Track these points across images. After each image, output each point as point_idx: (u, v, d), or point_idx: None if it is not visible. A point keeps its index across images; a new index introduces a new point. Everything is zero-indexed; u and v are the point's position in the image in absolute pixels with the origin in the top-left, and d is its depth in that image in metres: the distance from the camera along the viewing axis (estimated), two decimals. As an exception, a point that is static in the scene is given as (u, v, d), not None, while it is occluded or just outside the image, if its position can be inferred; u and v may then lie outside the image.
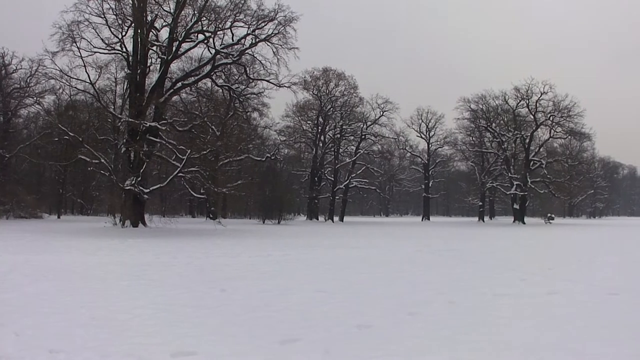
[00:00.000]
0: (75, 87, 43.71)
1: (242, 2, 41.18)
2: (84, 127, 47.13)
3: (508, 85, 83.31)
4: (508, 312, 9.49)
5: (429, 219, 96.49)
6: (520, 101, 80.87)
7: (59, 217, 62.18)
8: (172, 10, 39.65)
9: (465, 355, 6.67)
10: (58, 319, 8.21)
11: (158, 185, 42.61)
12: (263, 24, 42.32)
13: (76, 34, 38.16)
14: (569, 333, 7.85)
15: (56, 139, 51.93)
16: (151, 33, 40.20)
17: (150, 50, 40.10)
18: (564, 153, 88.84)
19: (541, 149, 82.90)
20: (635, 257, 22.75)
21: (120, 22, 39.51)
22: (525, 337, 7.56)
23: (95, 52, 39.86)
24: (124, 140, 39.58)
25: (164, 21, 40.86)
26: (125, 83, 47.24)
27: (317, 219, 76.53)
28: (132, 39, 39.54)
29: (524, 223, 76.33)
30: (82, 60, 38.80)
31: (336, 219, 78.13)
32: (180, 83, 42.63)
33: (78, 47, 38.35)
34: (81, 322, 8.05)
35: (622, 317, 9.12)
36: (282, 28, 42.42)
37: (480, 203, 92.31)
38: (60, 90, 54.61)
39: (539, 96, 78.71)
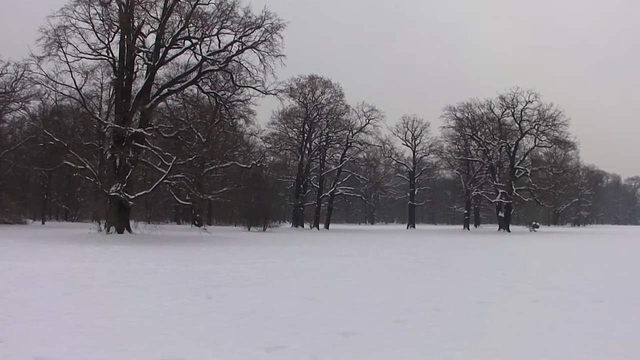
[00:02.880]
0: (61, 93, 43.38)
1: (229, 9, 41.14)
2: (70, 133, 46.88)
3: (494, 94, 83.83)
4: (493, 319, 9.59)
5: (414, 227, 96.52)
6: (505, 110, 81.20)
7: (43, 223, 61.80)
8: (159, 17, 39.51)
9: None
10: (43, 326, 8.21)
11: (143, 192, 42.42)
12: (250, 31, 42.30)
13: (62, 39, 37.88)
14: (554, 340, 7.94)
15: (41, 144, 51.66)
16: (138, 39, 40.01)
17: (137, 56, 39.90)
18: (548, 161, 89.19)
19: (526, 158, 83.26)
20: (618, 265, 22.96)
21: (106, 27, 39.26)
22: (511, 344, 7.65)
23: (81, 58, 39.54)
24: (110, 146, 39.29)
25: (151, 27, 40.68)
26: (111, 89, 47.14)
27: (303, 227, 76.42)
28: (118, 45, 39.34)
29: (509, 231, 76.63)
30: (68, 65, 38.49)
31: (322, 226, 78.15)
32: (166, 89, 42.44)
33: (64, 52, 38.06)
34: (67, 329, 8.05)
35: (606, 325, 9.22)
36: (269, 35, 42.42)
37: (466, 211, 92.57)
38: (46, 96, 54.48)
39: (524, 105, 79.15)
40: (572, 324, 9.24)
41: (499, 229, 79.18)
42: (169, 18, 39.45)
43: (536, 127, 79.78)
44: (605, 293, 13.02)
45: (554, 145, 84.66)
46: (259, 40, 42.31)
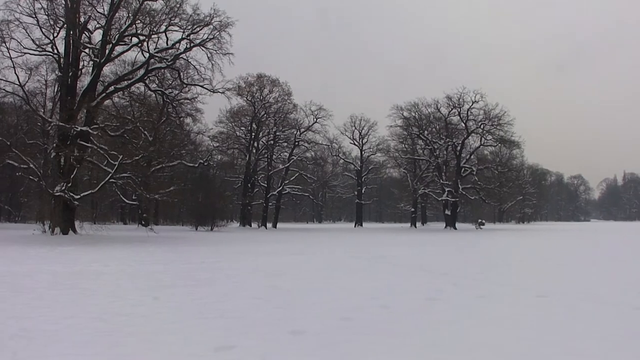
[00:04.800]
0: (4, 89, 42.29)
1: (178, 6, 40.89)
2: (12, 131, 46.05)
3: (441, 94, 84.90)
4: (441, 315, 9.68)
5: (361, 225, 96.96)
6: (452, 109, 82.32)
7: (-16, 224, 60.50)
8: (106, 12, 38.96)
9: (399, 359, 6.79)
10: (-13, 331, 8.02)
11: (89, 192, 41.75)
12: (198, 29, 42.11)
13: (5, 33, 37.06)
14: (499, 334, 8.10)
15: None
16: (84, 35, 39.39)
17: (83, 53, 39.29)
18: (494, 160, 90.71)
19: (472, 156, 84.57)
20: (561, 260, 23.47)
21: (52, 22, 38.56)
22: (458, 339, 7.74)
23: (25, 53, 38.80)
24: (54, 145, 38.63)
25: (98, 23, 40.09)
26: (56, 86, 46.39)
27: (250, 226, 76.19)
28: (64, 41, 38.59)
29: (455, 229, 77.62)
30: (12, 61, 37.75)
31: (269, 225, 77.97)
32: (112, 87, 41.85)
33: (7, 48, 37.27)
34: (11, 333, 7.87)
35: (549, 319, 9.42)
36: (218, 33, 42.28)
37: (413, 209, 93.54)
38: (-13, 93, 53.34)
39: (470, 105, 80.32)
40: (516, 319, 9.44)
41: (445, 227, 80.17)
42: (116, 14, 39.01)
43: (482, 126, 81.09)
44: (548, 288, 13.34)
45: (499, 145, 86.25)
46: (207, 38, 42.24)
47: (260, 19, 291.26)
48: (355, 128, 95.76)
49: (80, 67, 39.48)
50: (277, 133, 77.09)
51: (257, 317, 9.29)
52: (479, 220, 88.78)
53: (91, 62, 39.83)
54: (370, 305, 10.58)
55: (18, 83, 39.09)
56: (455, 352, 7.07)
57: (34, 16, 37.61)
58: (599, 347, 7.42)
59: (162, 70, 45.30)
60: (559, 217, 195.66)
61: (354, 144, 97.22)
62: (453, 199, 79.16)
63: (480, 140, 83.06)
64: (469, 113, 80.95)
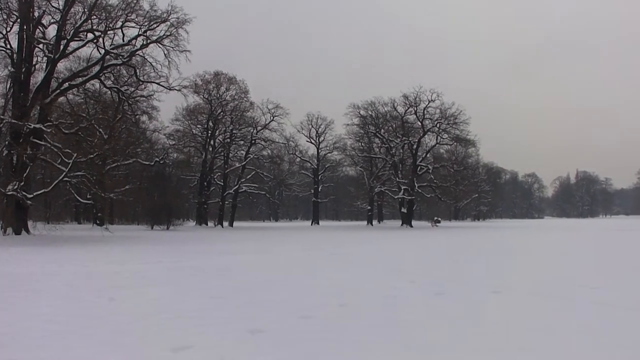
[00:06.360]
0: (-48, 84, 41.68)
1: (134, 1, 40.48)
2: (-38, 128, 45.02)
3: (398, 93, 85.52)
4: (399, 313, 9.75)
5: (318, 223, 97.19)
6: (408, 108, 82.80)
7: None
8: (60, 7, 38.37)
9: (358, 356, 6.80)
10: (-63, 335, 7.81)
11: (42, 191, 41.02)
12: (155, 25, 41.78)
13: (-45, 27, 36.44)
14: (457, 330, 8.17)
15: None
16: (38, 30, 38.69)
17: (37, 48, 38.56)
18: (450, 159, 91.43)
19: (428, 155, 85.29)
20: (516, 256, 24.03)
21: (4, 17, 37.81)
22: (417, 336, 7.79)
23: (-24, 48, 38.19)
24: (6, 143, 37.84)
25: (52, 18, 39.42)
26: (9, 82, 45.64)
27: (207, 225, 75.78)
28: (17, 35, 37.84)
29: (411, 226, 78.32)
30: (-38, 56, 37.12)
31: (226, 224, 77.75)
32: (67, 83, 41.26)
33: (-43, 42, 36.65)
34: (-37, 337, 7.68)
35: (503, 315, 9.62)
36: (175, 30, 42.02)
37: (369, 207, 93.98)
38: None
39: (427, 104, 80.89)
40: (471, 315, 9.54)
41: (401, 225, 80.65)
42: (71, 9, 38.46)
43: (438, 125, 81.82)
44: (503, 284, 13.54)
45: (455, 143, 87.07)
46: (164, 34, 41.97)
47: (219, 17, 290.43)
48: (312, 126, 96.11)
49: (33, 62, 38.79)
50: (234, 131, 76.78)
51: (215, 317, 9.21)
52: (435, 218, 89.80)
53: (45, 58, 39.20)
54: (328, 303, 10.58)
55: (-32, 79, 38.34)
56: (414, 349, 7.10)
57: (-15, 10, 36.93)
58: (552, 341, 7.49)
59: (118, 67, 44.86)
60: (514, 214, 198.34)
61: (311, 142, 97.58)
62: (409, 197, 79.64)
63: (436, 139, 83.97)
64: (426, 112, 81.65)
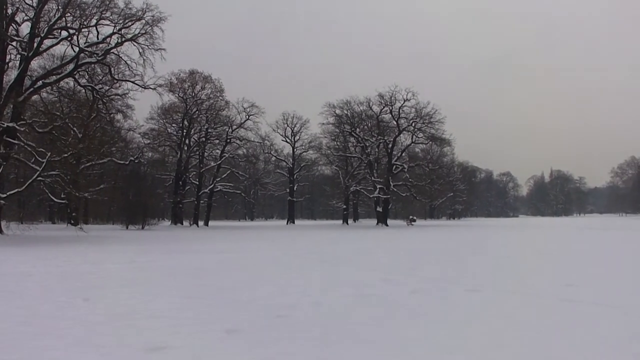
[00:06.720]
0: None
1: (109, -1, 40.18)
2: None
3: (374, 92, 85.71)
4: (374, 311, 9.80)
5: (293, 223, 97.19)
6: (384, 107, 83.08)
7: None
8: (34, 4, 38.06)
9: (333, 355, 6.82)
10: None
11: (16, 190, 40.46)
12: (130, 23, 41.59)
13: None
14: (432, 328, 8.24)
15: None
16: (11, 27, 38.29)
17: (10, 46, 38.20)
18: (425, 158, 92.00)
19: (403, 154, 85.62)
20: (491, 255, 24.08)
21: (-23, 14, 37.40)
22: (392, 334, 7.84)
23: (-53, 46, 37.59)
24: (-21, 142, 37.48)
25: (26, 15, 39.06)
26: (-19, 80, 45.12)
27: (182, 224, 75.54)
28: (-11, 33, 37.49)
29: (387, 225, 78.53)
30: None
31: (201, 223, 77.52)
32: (41, 81, 40.88)
33: None
34: None
35: (477, 313, 9.69)
36: (150, 28, 41.86)
37: (345, 206, 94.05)
38: None
39: (402, 103, 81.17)
40: (445, 313, 9.58)
41: (377, 224, 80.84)
42: (45, 6, 38.16)
43: (413, 124, 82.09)
44: (478, 282, 13.59)
45: (430, 142, 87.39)
46: (139, 32, 41.83)
47: (196, 15, 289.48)
48: (288, 125, 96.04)
49: (7, 60, 38.38)
50: (209, 130, 76.60)
51: (189, 316, 9.22)
52: (410, 217, 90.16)
53: (18, 56, 38.81)
54: (303, 302, 10.63)
55: (-61, 77, 37.71)
56: (390, 347, 7.15)
57: (-43, 7, 36.37)
58: (527, 338, 7.55)
59: (93, 65, 44.60)
60: (489, 213, 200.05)
61: (286, 141, 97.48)
62: (384, 196, 79.85)
63: (412, 138, 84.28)
64: (401, 111, 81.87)
